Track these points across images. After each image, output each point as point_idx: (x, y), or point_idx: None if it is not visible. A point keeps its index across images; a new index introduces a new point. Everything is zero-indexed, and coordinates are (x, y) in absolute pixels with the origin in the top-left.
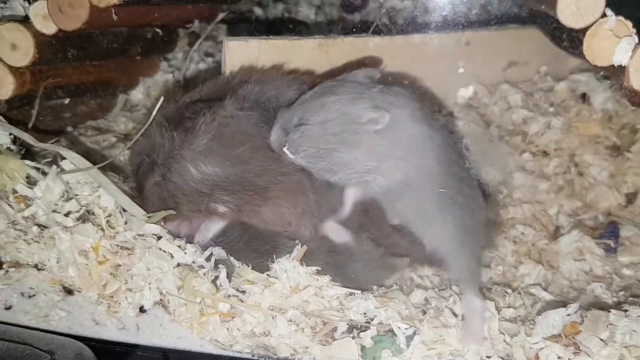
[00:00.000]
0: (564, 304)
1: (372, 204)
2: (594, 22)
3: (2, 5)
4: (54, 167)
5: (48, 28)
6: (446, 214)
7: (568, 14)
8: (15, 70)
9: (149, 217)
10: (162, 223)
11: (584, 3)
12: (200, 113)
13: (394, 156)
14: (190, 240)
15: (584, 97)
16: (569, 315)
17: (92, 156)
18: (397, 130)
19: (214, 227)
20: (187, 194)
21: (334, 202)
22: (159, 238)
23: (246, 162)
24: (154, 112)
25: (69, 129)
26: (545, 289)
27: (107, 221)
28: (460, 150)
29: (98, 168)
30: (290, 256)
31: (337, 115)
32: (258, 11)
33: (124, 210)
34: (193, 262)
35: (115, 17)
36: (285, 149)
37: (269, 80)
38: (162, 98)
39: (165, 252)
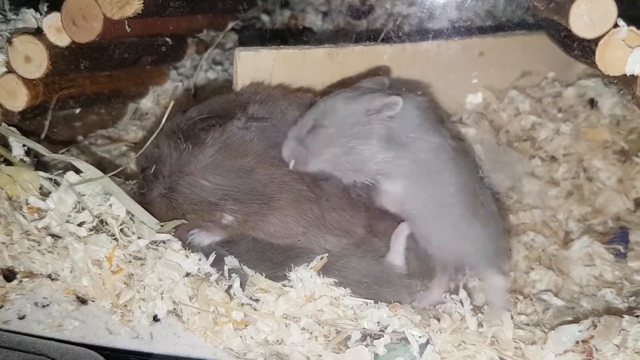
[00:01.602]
0: (574, 311)
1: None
2: (606, 33)
3: (15, 17)
4: (66, 178)
5: (61, 40)
6: (459, 200)
7: (580, 24)
8: (28, 82)
9: (161, 225)
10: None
11: (597, 14)
12: (211, 129)
13: (410, 144)
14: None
15: (592, 102)
16: (580, 331)
17: (103, 165)
18: (410, 116)
19: (215, 235)
20: (193, 204)
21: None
22: (168, 248)
23: (252, 171)
24: (164, 119)
25: (80, 138)
26: (556, 295)
27: (121, 229)
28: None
29: (109, 177)
30: (308, 265)
31: (350, 110)
32: (265, 18)
33: (133, 216)
34: (199, 270)
35: (128, 29)
36: (299, 158)
37: (274, 99)
38: (172, 103)
39: (174, 262)
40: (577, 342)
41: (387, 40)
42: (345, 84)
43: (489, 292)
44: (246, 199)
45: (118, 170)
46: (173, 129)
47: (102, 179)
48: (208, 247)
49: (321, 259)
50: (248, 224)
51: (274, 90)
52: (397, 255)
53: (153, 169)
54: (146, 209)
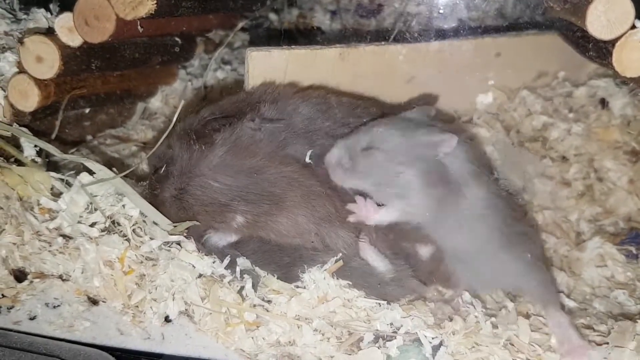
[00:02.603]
0: (587, 312)
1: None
2: (624, 34)
3: (25, 16)
4: (78, 179)
5: (73, 40)
6: (512, 241)
7: (597, 25)
8: (40, 82)
9: (174, 226)
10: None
11: (614, 15)
12: (220, 129)
13: (460, 183)
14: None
15: (603, 102)
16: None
17: (113, 165)
18: (463, 156)
19: (228, 237)
20: (204, 205)
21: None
22: (181, 248)
23: (261, 171)
24: (174, 119)
25: (89, 138)
26: (568, 296)
27: (133, 230)
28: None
29: (121, 177)
30: (321, 267)
31: (407, 140)
32: (273, 17)
33: (145, 216)
34: (212, 273)
35: (140, 29)
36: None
37: (284, 98)
38: (182, 103)
39: (187, 263)
40: None
41: (398, 40)
42: (391, 109)
43: (553, 331)
44: (255, 199)
45: (129, 170)
46: (185, 129)
47: (115, 179)
48: (221, 248)
49: (336, 261)
50: (259, 224)
51: (285, 88)
52: (377, 263)
53: (164, 169)
54: (158, 209)
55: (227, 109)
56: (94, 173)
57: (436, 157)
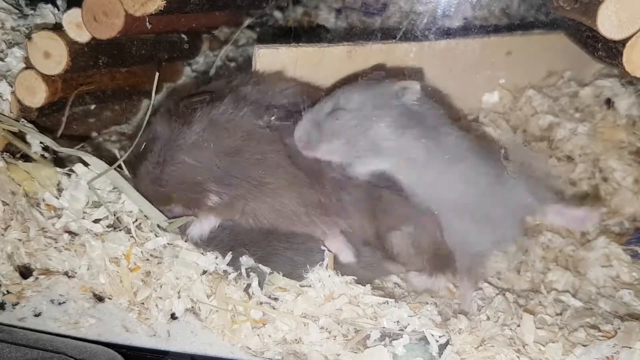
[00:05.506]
0: (592, 312)
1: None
2: (634, 34)
3: (32, 12)
4: (74, 175)
5: (82, 36)
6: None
7: (608, 25)
8: (47, 78)
9: (170, 222)
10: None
11: (625, 14)
12: (198, 107)
13: (425, 134)
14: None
15: (608, 102)
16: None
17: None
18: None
19: (209, 223)
20: (180, 183)
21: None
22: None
23: (239, 151)
24: (153, 93)
25: (94, 134)
26: (574, 296)
27: (137, 226)
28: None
29: (119, 172)
30: (323, 265)
31: (371, 95)
32: (278, 16)
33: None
34: (216, 270)
35: (149, 26)
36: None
37: (266, 82)
38: (157, 75)
39: (190, 260)
40: None
41: (407, 38)
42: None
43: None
44: (233, 181)
45: (120, 160)
46: (165, 108)
47: (110, 172)
48: (227, 244)
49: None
50: (236, 206)
51: (269, 76)
52: (345, 255)
53: (144, 146)
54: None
55: (210, 91)
56: (90, 166)
57: (404, 106)
